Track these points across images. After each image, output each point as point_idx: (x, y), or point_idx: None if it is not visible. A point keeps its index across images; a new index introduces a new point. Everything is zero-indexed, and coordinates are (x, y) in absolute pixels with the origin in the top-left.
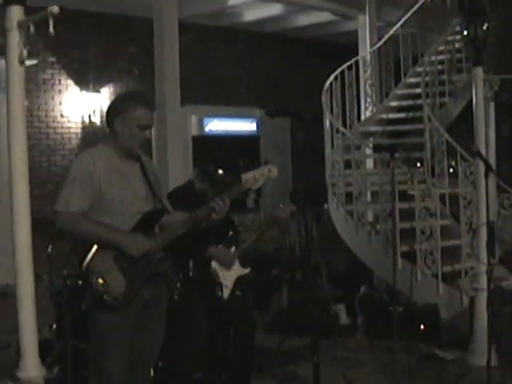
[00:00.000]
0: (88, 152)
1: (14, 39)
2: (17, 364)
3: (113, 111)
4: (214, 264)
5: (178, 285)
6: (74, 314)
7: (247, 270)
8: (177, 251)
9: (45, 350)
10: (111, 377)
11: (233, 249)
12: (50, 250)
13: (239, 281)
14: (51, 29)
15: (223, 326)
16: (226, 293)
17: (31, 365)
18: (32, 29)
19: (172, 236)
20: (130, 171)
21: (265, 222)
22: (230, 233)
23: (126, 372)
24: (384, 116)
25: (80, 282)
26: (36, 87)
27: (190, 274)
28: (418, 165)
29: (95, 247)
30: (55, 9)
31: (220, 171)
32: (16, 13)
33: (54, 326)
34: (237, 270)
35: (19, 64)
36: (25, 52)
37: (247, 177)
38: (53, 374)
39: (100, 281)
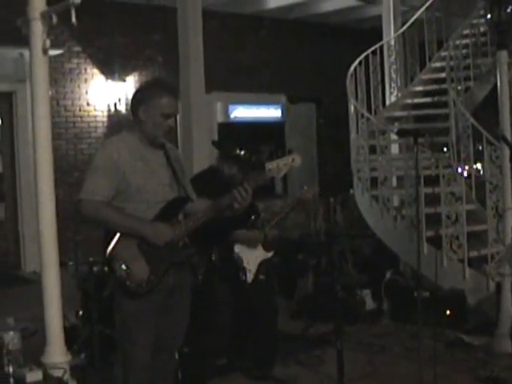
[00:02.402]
0: (112, 140)
1: (38, 29)
2: (43, 350)
3: (137, 100)
4: (237, 248)
5: (202, 270)
6: (100, 300)
7: (270, 254)
8: (200, 238)
9: (72, 336)
10: (136, 362)
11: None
12: (75, 237)
13: (263, 265)
14: (73, 19)
15: (247, 311)
16: (249, 277)
17: (56, 351)
18: (55, 19)
19: (196, 223)
20: (154, 159)
21: (289, 204)
22: (253, 217)
23: (151, 357)
24: (409, 101)
25: (106, 269)
26: (62, 77)
27: (214, 259)
28: (445, 149)
29: (119, 234)
30: None
31: (243, 152)
32: (39, 3)
33: (81, 313)
34: (260, 254)
35: (43, 54)
36: (48, 42)
37: (270, 166)
38: (79, 360)
39: (123, 267)
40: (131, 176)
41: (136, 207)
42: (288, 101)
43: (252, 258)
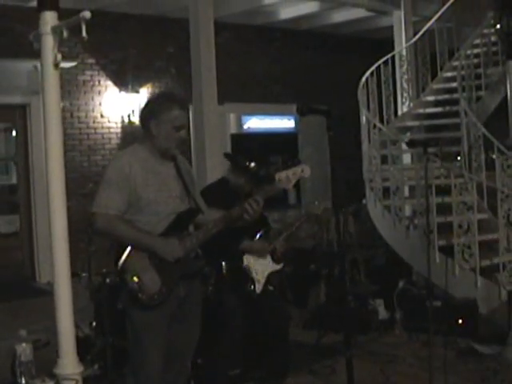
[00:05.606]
0: (124, 153)
1: (49, 44)
2: (55, 361)
3: (147, 114)
4: (246, 259)
5: (212, 281)
6: (112, 312)
7: (279, 266)
8: (210, 249)
9: (85, 347)
10: (148, 373)
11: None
12: (89, 248)
13: (271, 276)
14: (84, 33)
15: (258, 321)
16: (258, 288)
17: (69, 362)
18: (65, 33)
19: (206, 235)
20: (165, 171)
21: (299, 219)
22: (262, 229)
23: (164, 368)
24: (421, 111)
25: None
26: (76, 89)
27: (223, 269)
28: (458, 158)
29: (130, 247)
30: (87, 14)
31: (253, 164)
32: (50, 18)
33: (94, 324)
34: (269, 266)
35: (54, 68)
36: (59, 56)
37: (280, 176)
38: (92, 371)
39: (135, 280)
40: (143, 189)
41: (148, 219)
42: (297, 113)
43: (261, 269)
